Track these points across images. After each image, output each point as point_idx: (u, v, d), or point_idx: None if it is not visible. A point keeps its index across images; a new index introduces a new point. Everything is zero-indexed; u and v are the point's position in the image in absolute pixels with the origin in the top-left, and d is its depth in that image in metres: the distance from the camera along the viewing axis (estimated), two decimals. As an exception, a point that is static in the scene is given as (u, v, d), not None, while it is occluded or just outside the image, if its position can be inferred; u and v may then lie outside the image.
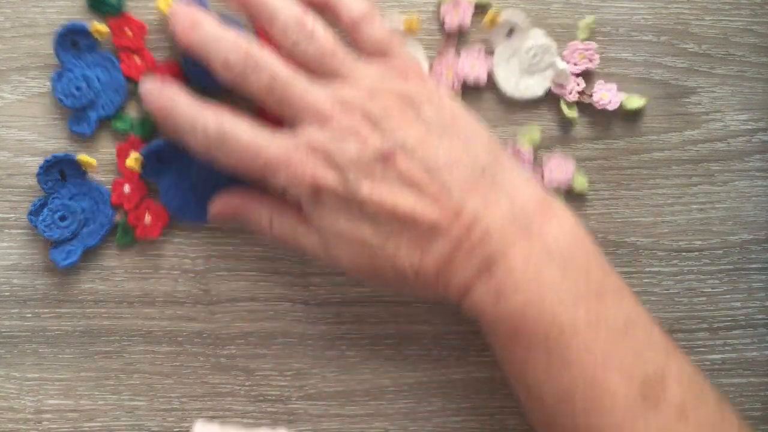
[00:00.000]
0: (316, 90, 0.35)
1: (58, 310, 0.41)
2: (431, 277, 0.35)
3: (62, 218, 0.37)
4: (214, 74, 0.35)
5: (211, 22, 0.35)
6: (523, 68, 0.37)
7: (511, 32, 0.37)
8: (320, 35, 0.35)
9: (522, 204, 0.34)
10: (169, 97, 0.36)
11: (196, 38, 0.35)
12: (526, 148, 0.38)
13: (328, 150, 0.34)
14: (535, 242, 0.34)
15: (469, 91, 0.41)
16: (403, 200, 0.34)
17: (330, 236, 0.36)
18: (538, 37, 0.37)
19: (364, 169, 0.34)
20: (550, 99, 0.42)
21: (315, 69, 0.35)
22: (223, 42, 0.35)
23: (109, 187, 0.40)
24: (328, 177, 0.34)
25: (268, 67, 0.35)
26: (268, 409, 0.42)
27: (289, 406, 0.42)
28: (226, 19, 0.37)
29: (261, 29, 0.37)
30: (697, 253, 0.43)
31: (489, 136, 0.36)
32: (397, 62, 0.36)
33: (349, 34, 0.37)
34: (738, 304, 0.43)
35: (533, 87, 0.38)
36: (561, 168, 0.40)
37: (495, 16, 0.37)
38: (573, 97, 0.40)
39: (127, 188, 0.39)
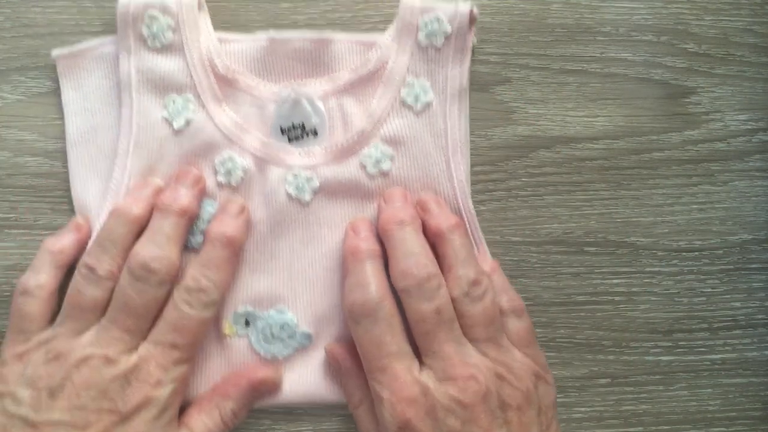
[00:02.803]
0: (471, 353, 0.36)
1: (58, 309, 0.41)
2: None
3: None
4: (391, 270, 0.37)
5: (415, 230, 0.38)
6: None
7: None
8: (489, 300, 0.37)
9: None
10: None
11: (397, 235, 0.38)
12: None
13: (446, 411, 0.35)
14: None
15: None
16: None
17: None
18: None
19: None
20: (552, 101, 0.42)
21: (468, 327, 0.37)
22: (414, 256, 0.37)
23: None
24: (423, 428, 0.35)
25: (443, 297, 0.36)
26: (269, 409, 0.42)
27: (289, 406, 0.42)
28: None
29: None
30: (697, 253, 0.43)
31: None
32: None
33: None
34: (738, 304, 0.43)
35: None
36: None
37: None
38: None
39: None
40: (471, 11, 0.40)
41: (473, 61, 0.42)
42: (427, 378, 0.36)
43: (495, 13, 0.43)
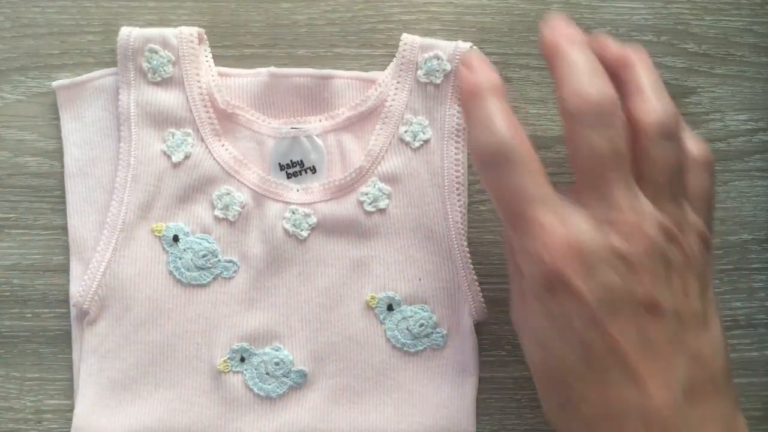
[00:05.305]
0: (642, 201, 0.31)
1: (58, 310, 0.41)
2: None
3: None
4: (559, 93, 0.32)
5: (589, 49, 0.32)
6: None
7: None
8: (682, 149, 0.33)
9: None
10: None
11: (570, 52, 0.32)
12: None
13: (604, 263, 0.31)
14: None
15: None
16: (635, 352, 0.31)
17: (529, 326, 0.33)
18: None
19: (622, 301, 0.31)
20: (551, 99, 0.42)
21: (651, 172, 0.32)
22: (592, 77, 0.31)
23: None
24: (578, 281, 0.30)
25: (619, 130, 0.31)
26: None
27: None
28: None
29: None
30: (697, 253, 0.43)
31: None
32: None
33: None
34: (738, 304, 0.43)
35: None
36: None
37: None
38: None
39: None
40: (470, 50, 0.40)
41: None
42: (583, 224, 0.31)
43: (495, 13, 0.43)
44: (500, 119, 0.31)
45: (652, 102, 0.32)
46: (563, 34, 0.32)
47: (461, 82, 0.34)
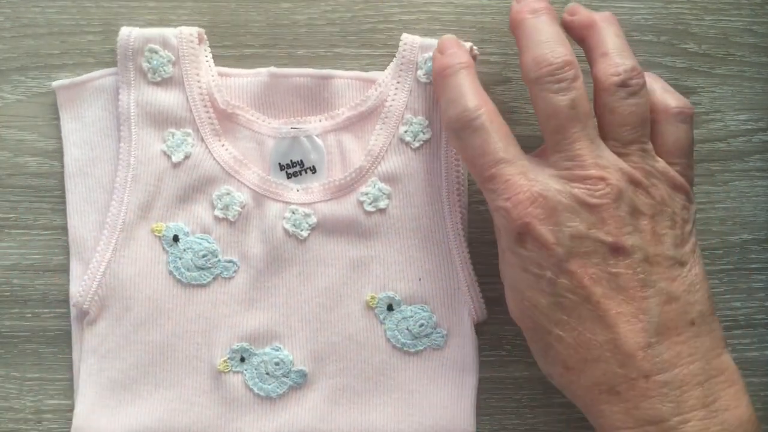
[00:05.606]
0: (606, 155, 0.33)
1: (58, 310, 0.41)
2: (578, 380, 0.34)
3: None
4: (521, 61, 0.35)
5: (551, 19, 0.35)
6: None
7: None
8: (645, 98, 0.34)
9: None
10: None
11: (530, 23, 0.35)
12: None
13: (569, 212, 0.33)
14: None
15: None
16: (604, 295, 0.32)
17: (509, 279, 0.35)
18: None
19: (588, 247, 0.33)
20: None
21: (614, 125, 0.34)
22: (549, 43, 0.34)
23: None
24: (544, 231, 0.33)
25: (579, 89, 0.33)
26: None
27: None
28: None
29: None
30: (697, 253, 0.43)
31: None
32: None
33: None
34: (738, 304, 0.43)
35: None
36: None
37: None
38: None
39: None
40: (471, 50, 0.40)
41: (473, 61, 0.42)
42: (548, 179, 0.33)
43: (495, 13, 0.43)
44: (468, 91, 0.35)
45: (613, 60, 0.34)
46: (529, 7, 0.35)
47: (433, 65, 0.38)
